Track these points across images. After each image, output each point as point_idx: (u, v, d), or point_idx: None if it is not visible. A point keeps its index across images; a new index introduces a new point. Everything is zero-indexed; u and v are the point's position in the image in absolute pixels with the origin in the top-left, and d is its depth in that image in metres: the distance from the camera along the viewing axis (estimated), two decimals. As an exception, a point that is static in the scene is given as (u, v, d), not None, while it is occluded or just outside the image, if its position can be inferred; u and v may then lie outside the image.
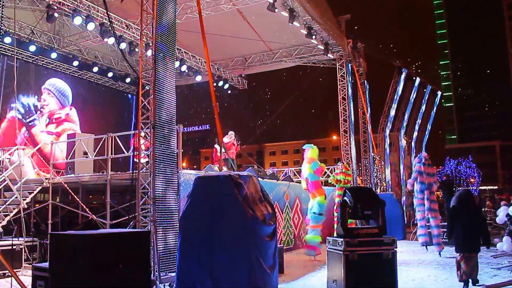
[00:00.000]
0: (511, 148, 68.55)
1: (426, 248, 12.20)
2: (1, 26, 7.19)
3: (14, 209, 9.99)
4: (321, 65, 19.78)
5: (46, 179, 10.80)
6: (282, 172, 18.40)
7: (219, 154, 15.11)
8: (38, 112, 17.00)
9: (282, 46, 18.72)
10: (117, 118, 20.53)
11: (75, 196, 10.57)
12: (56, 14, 13.73)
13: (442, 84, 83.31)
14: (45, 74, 17.47)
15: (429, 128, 27.30)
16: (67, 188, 10.57)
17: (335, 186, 13.12)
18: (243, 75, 22.03)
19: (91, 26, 14.09)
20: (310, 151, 11.59)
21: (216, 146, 15.49)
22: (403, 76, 22.27)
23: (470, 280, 7.25)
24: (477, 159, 49.05)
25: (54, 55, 16.46)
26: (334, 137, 52.30)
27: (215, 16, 14.92)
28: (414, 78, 23.60)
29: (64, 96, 18.13)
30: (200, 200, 6.95)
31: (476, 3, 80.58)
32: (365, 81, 19.98)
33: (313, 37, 16.43)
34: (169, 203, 8.46)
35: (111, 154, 10.10)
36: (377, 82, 22.91)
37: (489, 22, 79.21)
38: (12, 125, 15.64)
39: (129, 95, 21.11)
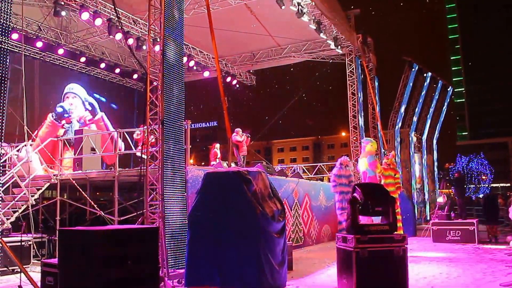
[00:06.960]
0: (523, 145, 67.75)
1: None
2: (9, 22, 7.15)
3: (22, 205, 10.01)
4: (330, 60, 19.58)
5: (54, 175, 10.79)
6: (291, 169, 18.28)
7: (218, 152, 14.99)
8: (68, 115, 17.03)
9: (290, 41, 18.54)
10: (124, 114, 20.48)
11: (83, 193, 10.56)
12: (63, 10, 13.69)
13: (453, 79, 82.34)
14: (69, 77, 17.75)
15: (440, 124, 27.02)
16: (75, 184, 10.57)
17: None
18: (251, 71, 21.92)
19: (98, 21, 14.04)
20: (369, 145, 10.98)
21: (217, 145, 15.27)
22: (413, 71, 22.00)
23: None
24: (488, 156, 48.47)
25: (61, 51, 16.43)
26: (343, 134, 52.01)
27: (223, 11, 14.80)
28: (425, 73, 23.31)
29: (89, 102, 18.26)
30: (209, 196, 6.88)
31: (488, -3, 79.59)
32: (375, 76, 19.77)
33: (322, 32, 16.24)
34: (177, 199, 8.40)
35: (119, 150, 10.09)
36: (387, 77, 22.69)
37: (501, 17, 78.19)
38: (53, 130, 16.18)
39: (136, 91, 21.03)
